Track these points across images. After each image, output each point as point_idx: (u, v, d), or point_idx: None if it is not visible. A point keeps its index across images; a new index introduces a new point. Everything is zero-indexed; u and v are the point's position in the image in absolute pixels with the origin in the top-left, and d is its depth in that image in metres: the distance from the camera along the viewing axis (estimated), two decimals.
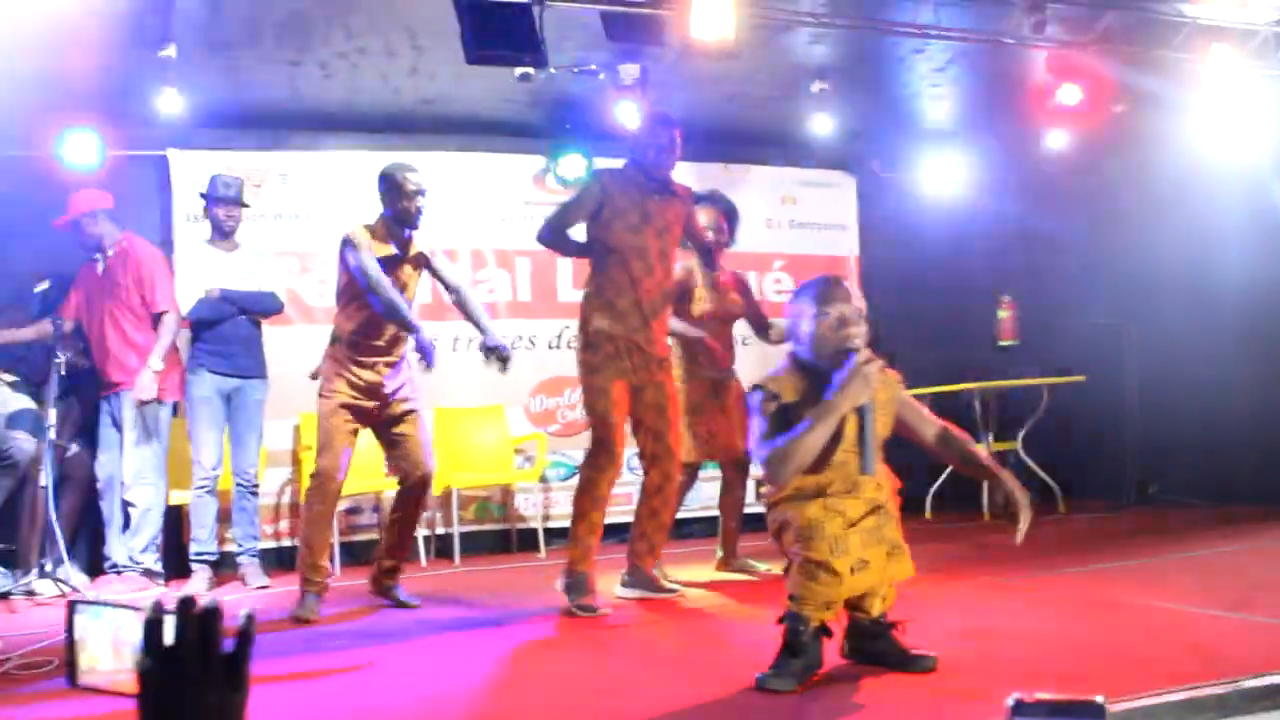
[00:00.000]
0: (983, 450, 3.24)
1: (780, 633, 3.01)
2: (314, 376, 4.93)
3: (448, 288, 5.09)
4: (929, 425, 3.26)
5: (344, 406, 4.78)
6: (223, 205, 6.04)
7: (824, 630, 3.02)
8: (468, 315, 5.05)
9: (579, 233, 4.79)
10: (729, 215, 5.57)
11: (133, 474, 5.89)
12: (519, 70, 5.69)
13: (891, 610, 3.18)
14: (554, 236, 4.73)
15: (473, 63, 4.98)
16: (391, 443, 4.94)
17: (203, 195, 6.12)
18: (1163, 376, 7.50)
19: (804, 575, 2.94)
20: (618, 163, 4.95)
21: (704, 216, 5.33)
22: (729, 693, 3.01)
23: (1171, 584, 4.42)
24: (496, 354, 4.78)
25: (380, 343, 4.84)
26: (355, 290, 4.74)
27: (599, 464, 4.57)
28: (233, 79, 6.55)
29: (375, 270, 4.63)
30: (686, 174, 7.74)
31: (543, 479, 7.25)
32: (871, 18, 6.04)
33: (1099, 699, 0.83)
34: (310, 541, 4.82)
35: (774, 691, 2.92)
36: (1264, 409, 6.83)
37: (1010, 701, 0.84)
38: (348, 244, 4.72)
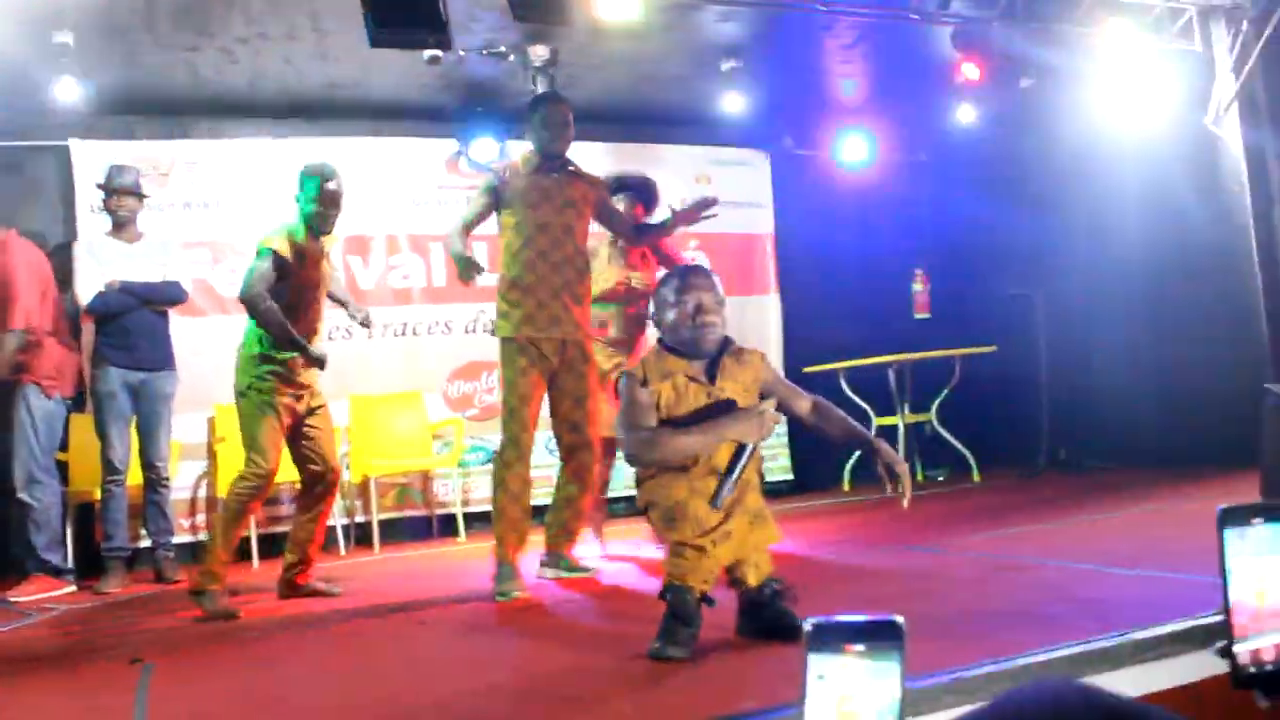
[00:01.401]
0: (857, 424, 3.30)
1: (665, 606, 3.05)
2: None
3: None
4: (802, 400, 3.33)
5: (278, 403, 4.73)
6: (113, 195, 5.89)
7: (707, 599, 3.05)
8: (331, 296, 5.18)
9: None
10: (644, 196, 5.53)
11: (23, 474, 5.74)
12: (427, 53, 5.66)
13: (787, 581, 3.20)
14: (458, 236, 4.74)
15: (376, 45, 4.92)
16: (304, 437, 4.89)
17: (99, 186, 5.99)
18: (1072, 345, 7.68)
19: (675, 555, 3.02)
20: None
21: (621, 207, 5.28)
22: (629, 662, 3.04)
23: (1075, 545, 4.53)
24: (364, 318, 5.19)
25: (302, 333, 4.80)
26: (278, 285, 4.70)
27: (507, 459, 4.54)
28: (133, 66, 6.43)
29: (260, 290, 4.61)
30: (601, 154, 7.77)
31: (461, 464, 7.23)
32: None
33: (898, 619, 0.85)
34: (232, 537, 4.76)
35: (666, 659, 2.96)
36: (1167, 375, 7.02)
37: (808, 626, 0.86)
38: (259, 254, 4.67)
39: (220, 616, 4.51)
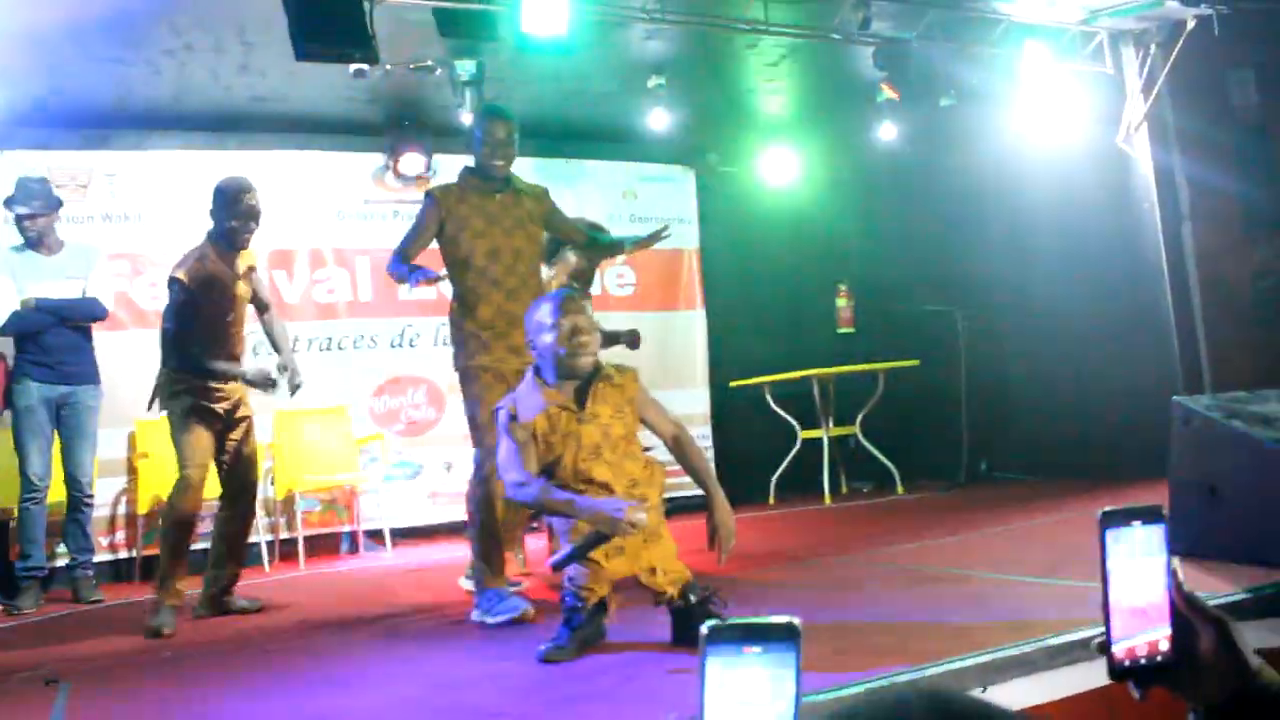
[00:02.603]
0: (710, 473, 3.47)
1: (562, 609, 3.28)
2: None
3: (258, 306, 5.11)
4: (667, 425, 3.51)
5: (203, 413, 4.68)
6: (14, 209, 5.72)
7: (602, 606, 3.27)
8: (271, 338, 5.16)
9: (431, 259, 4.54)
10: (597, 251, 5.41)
11: None
12: (353, 67, 5.64)
13: (713, 587, 3.36)
14: (400, 266, 4.41)
15: (301, 59, 4.89)
16: (225, 450, 4.85)
17: (4, 204, 5.82)
18: (992, 359, 7.84)
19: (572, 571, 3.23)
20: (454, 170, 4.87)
21: (573, 258, 5.19)
22: (520, 666, 3.23)
23: (991, 555, 4.64)
24: (290, 377, 4.97)
25: (222, 357, 4.77)
26: (188, 314, 4.67)
27: (488, 493, 4.20)
28: (55, 76, 6.32)
29: (174, 326, 4.61)
30: (527, 169, 7.72)
31: (387, 479, 7.19)
32: (704, 14, 6.15)
33: (794, 620, 0.89)
34: (180, 549, 4.69)
35: (554, 661, 3.18)
36: (1082, 388, 7.20)
37: (704, 629, 0.90)
38: (169, 288, 4.67)
39: (150, 634, 4.44)
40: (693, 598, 3.25)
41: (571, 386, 3.37)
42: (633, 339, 5.57)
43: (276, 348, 5.13)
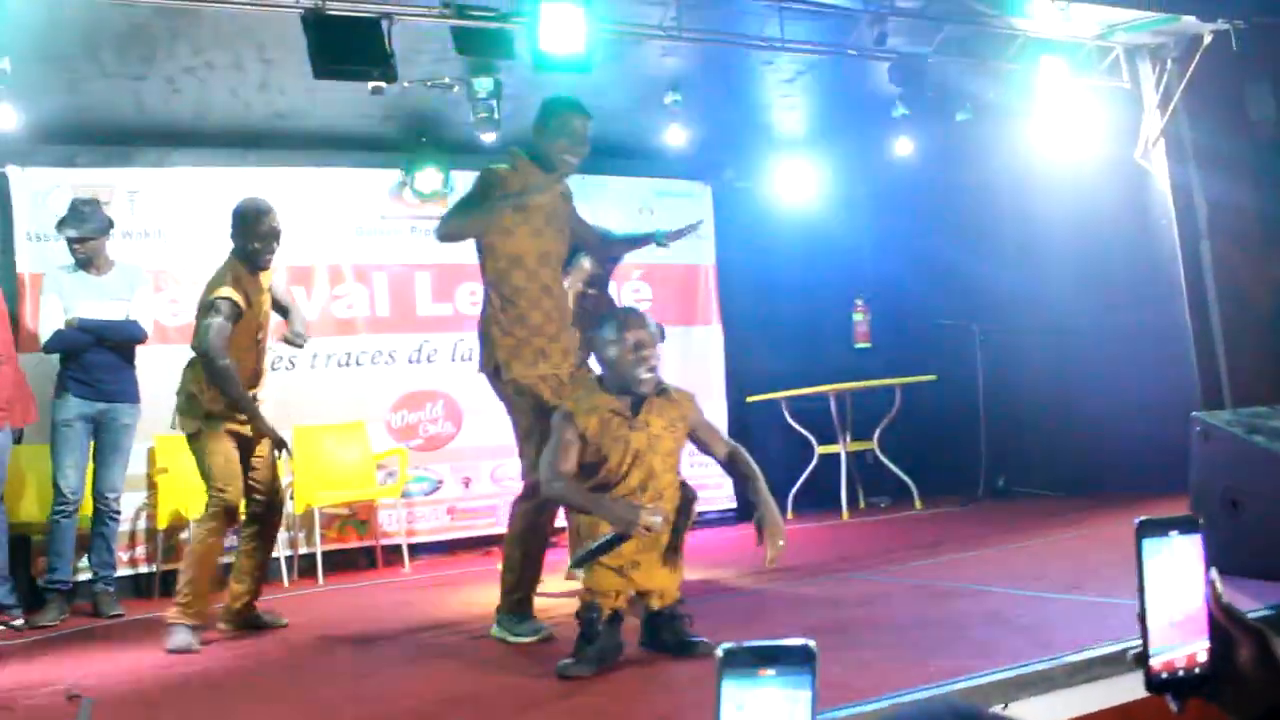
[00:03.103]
0: (760, 480, 3.56)
1: (578, 624, 3.40)
2: None
3: (280, 311, 5.13)
4: (720, 445, 3.65)
5: (229, 433, 4.70)
6: (65, 232, 5.84)
7: (617, 616, 3.41)
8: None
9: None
10: (611, 260, 5.39)
11: None
12: (372, 84, 5.67)
13: (688, 606, 3.57)
14: (455, 237, 4.24)
15: (320, 77, 4.94)
16: (249, 468, 4.86)
17: (58, 224, 5.92)
18: (1009, 374, 7.81)
19: (589, 573, 3.39)
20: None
21: (588, 264, 5.20)
22: (538, 682, 3.28)
23: (1010, 570, 4.62)
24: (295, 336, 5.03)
25: (246, 375, 4.79)
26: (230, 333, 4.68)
27: (539, 505, 4.04)
28: (75, 94, 6.38)
29: (220, 347, 4.56)
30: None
31: (405, 494, 7.22)
32: (720, 31, 6.17)
33: (810, 643, 0.89)
34: (208, 571, 4.69)
35: (572, 677, 3.26)
36: (1099, 403, 7.17)
37: (719, 652, 0.90)
38: (217, 310, 4.60)
39: (177, 650, 4.45)
40: (668, 612, 3.48)
41: (630, 398, 3.50)
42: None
43: (284, 312, 5.12)
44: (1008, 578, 4.38)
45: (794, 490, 7.82)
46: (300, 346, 5.13)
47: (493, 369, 4.15)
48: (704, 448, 3.65)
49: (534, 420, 4.04)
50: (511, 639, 4.01)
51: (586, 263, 5.19)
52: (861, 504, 7.99)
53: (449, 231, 4.23)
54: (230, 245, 4.81)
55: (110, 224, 5.95)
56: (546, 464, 3.48)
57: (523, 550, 4.08)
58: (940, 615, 3.79)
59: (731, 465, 3.64)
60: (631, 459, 3.44)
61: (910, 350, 8.43)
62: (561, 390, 4.09)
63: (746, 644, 0.92)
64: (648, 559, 3.38)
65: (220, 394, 4.65)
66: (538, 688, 3.23)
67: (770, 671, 0.91)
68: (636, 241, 4.85)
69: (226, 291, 4.61)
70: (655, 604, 3.47)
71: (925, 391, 7.87)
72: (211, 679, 3.90)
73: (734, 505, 8.17)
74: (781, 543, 3.43)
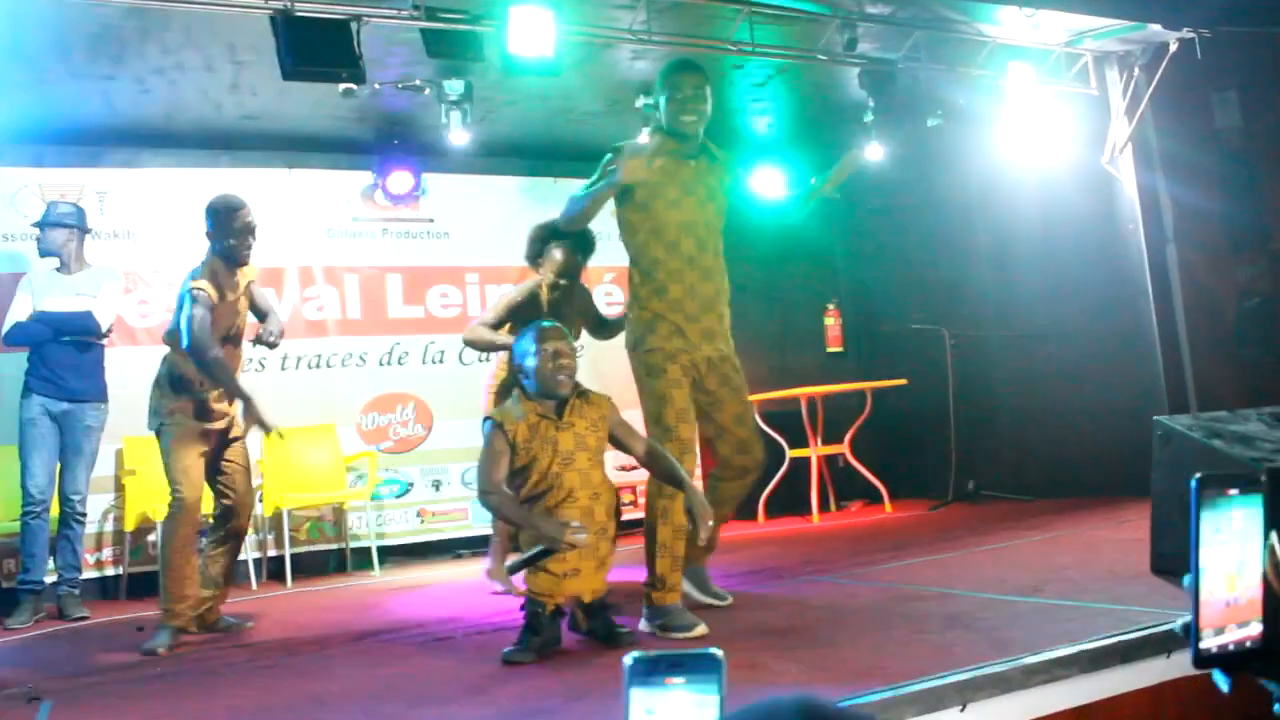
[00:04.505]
0: (681, 470, 3.81)
1: (524, 617, 3.67)
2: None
3: (259, 315, 5.08)
4: (638, 442, 3.85)
5: (199, 434, 4.67)
6: (40, 228, 5.87)
7: (559, 612, 3.69)
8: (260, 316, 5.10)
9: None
10: (582, 244, 5.23)
11: None
12: (342, 86, 5.66)
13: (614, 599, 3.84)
14: (575, 222, 4.15)
15: (289, 78, 4.93)
16: (220, 470, 4.84)
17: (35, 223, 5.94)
18: (978, 378, 7.86)
19: (534, 574, 3.62)
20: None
21: (558, 255, 5.13)
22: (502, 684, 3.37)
23: (974, 573, 4.65)
24: (268, 334, 4.96)
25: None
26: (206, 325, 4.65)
27: (665, 492, 3.94)
28: (44, 94, 6.34)
29: (207, 339, 4.52)
30: (514, 189, 7.86)
31: (375, 497, 7.20)
32: (690, 35, 6.19)
33: (716, 651, 0.90)
34: (179, 571, 4.65)
35: (515, 663, 3.55)
36: (1067, 407, 7.22)
37: (626, 660, 0.91)
38: (194, 300, 4.55)
39: (146, 652, 4.43)
40: (597, 603, 3.75)
41: (553, 402, 3.72)
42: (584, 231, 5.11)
43: (262, 317, 5.06)
44: (971, 580, 4.41)
45: (765, 494, 7.83)
46: (273, 347, 5.09)
47: (631, 344, 4.11)
48: (623, 447, 3.84)
49: (659, 405, 3.97)
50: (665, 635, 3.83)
51: (558, 253, 5.17)
52: (833, 507, 8.02)
53: (563, 219, 4.28)
54: (204, 245, 4.79)
55: (81, 224, 5.92)
56: (481, 475, 3.70)
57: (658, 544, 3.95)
58: (902, 617, 3.81)
59: (652, 461, 3.82)
60: (562, 461, 3.65)
61: (881, 354, 8.49)
62: (694, 373, 4.03)
63: (654, 653, 0.93)
64: (586, 566, 3.64)
65: (210, 385, 4.64)
66: (501, 688, 3.24)
67: (678, 679, 0.92)
68: (805, 200, 4.60)
69: (201, 284, 4.59)
70: (588, 598, 3.74)
71: (896, 395, 7.92)
72: (171, 680, 3.89)
73: None
74: (711, 522, 3.70)
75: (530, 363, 3.73)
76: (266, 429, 4.72)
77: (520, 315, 5.09)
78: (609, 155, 4.13)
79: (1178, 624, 1.15)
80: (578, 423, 3.73)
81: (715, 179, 4.20)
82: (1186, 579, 1.12)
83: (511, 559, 3.82)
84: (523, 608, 3.70)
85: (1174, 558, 4.00)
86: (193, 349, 4.53)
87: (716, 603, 4.29)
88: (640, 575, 4.02)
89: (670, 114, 4.11)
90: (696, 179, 4.12)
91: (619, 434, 3.83)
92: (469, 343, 5.33)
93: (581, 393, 3.79)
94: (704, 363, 4.07)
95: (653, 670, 0.92)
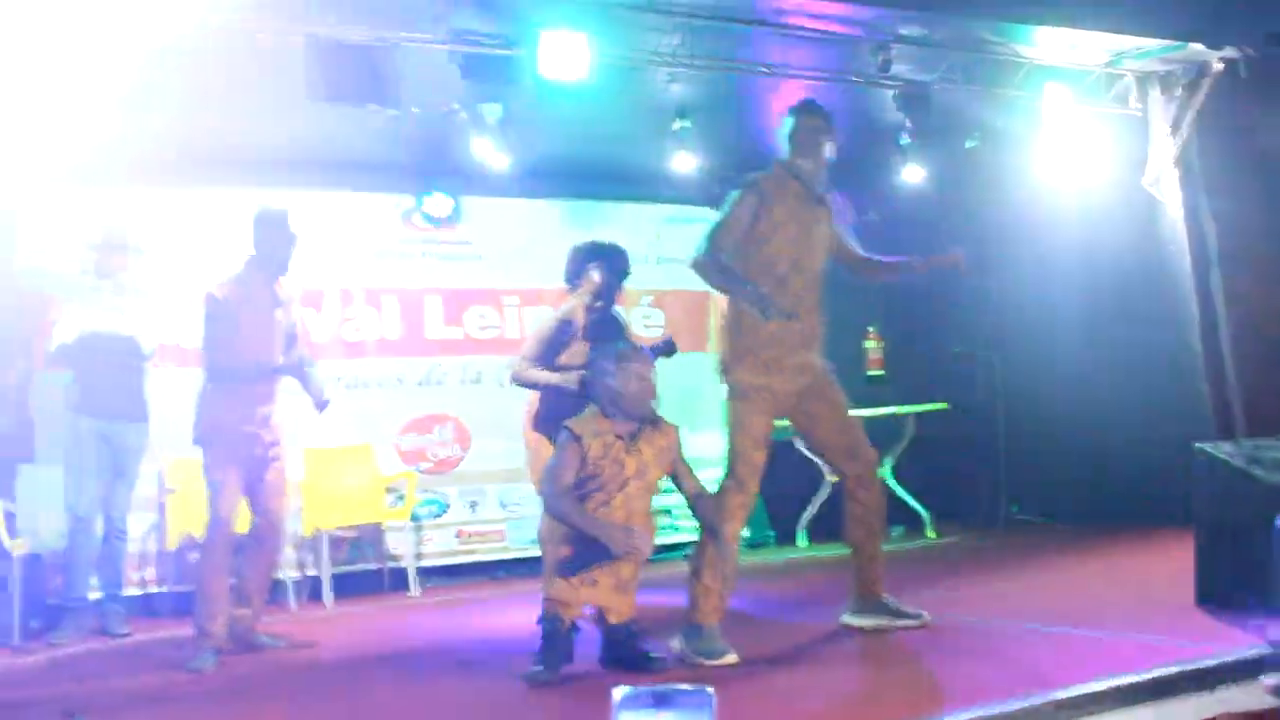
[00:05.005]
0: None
1: (541, 632, 3.78)
2: None
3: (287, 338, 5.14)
4: (692, 482, 3.99)
5: (236, 454, 4.72)
6: (96, 250, 6.00)
7: (574, 627, 3.80)
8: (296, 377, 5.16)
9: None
10: (622, 273, 5.29)
11: None
12: (373, 109, 5.70)
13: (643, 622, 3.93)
14: (712, 260, 4.16)
15: (319, 101, 4.98)
16: (258, 489, 4.88)
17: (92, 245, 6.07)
18: (1021, 402, 7.77)
19: (549, 575, 3.88)
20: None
21: (596, 275, 5.14)
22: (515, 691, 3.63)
23: (1013, 602, 4.59)
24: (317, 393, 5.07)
25: (258, 388, 4.81)
26: (225, 330, 4.71)
27: (732, 512, 4.08)
28: (90, 118, 6.43)
29: (219, 359, 4.67)
30: (552, 212, 7.87)
31: (414, 517, 7.21)
32: (725, 58, 6.19)
33: (707, 688, 0.89)
34: (214, 592, 4.72)
35: (540, 683, 3.66)
36: (1111, 432, 7.12)
37: (616, 694, 0.90)
38: (205, 315, 4.73)
39: (195, 670, 4.47)
40: (624, 630, 3.82)
41: (629, 424, 3.86)
42: (669, 347, 5.29)
43: (304, 385, 5.13)
44: (1010, 609, 4.36)
45: (805, 519, 7.78)
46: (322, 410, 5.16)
47: (721, 368, 4.27)
48: (677, 480, 4.00)
49: (734, 431, 4.14)
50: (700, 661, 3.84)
51: (596, 274, 5.18)
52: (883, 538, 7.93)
53: (694, 265, 4.25)
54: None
55: (131, 245, 6.01)
56: (551, 479, 3.81)
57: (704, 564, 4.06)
58: (939, 649, 3.77)
59: (697, 502, 3.96)
60: (619, 484, 3.79)
61: (922, 378, 8.39)
62: (782, 405, 4.19)
63: (644, 687, 0.92)
64: (604, 581, 3.76)
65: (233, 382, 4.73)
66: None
67: (668, 715, 0.90)
68: (893, 268, 4.69)
69: (213, 288, 4.76)
70: (612, 619, 3.81)
71: (937, 420, 7.84)
72: (207, 699, 3.92)
73: (746, 533, 8.12)
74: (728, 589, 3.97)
75: (612, 383, 3.85)
76: (323, 402, 4.91)
77: (557, 343, 5.10)
78: (752, 184, 4.30)
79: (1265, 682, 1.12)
80: (645, 450, 3.87)
81: (826, 219, 4.35)
82: None
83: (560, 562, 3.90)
84: (539, 622, 3.79)
85: (1218, 587, 3.93)
86: (209, 371, 4.69)
87: (913, 623, 4.19)
88: (677, 599, 4.07)
89: (793, 158, 4.29)
90: (815, 222, 4.26)
91: (677, 469, 3.97)
92: (518, 382, 5.19)
93: (654, 419, 3.93)
94: (794, 395, 4.20)
95: (642, 704, 0.91)
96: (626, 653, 3.81)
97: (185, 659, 4.58)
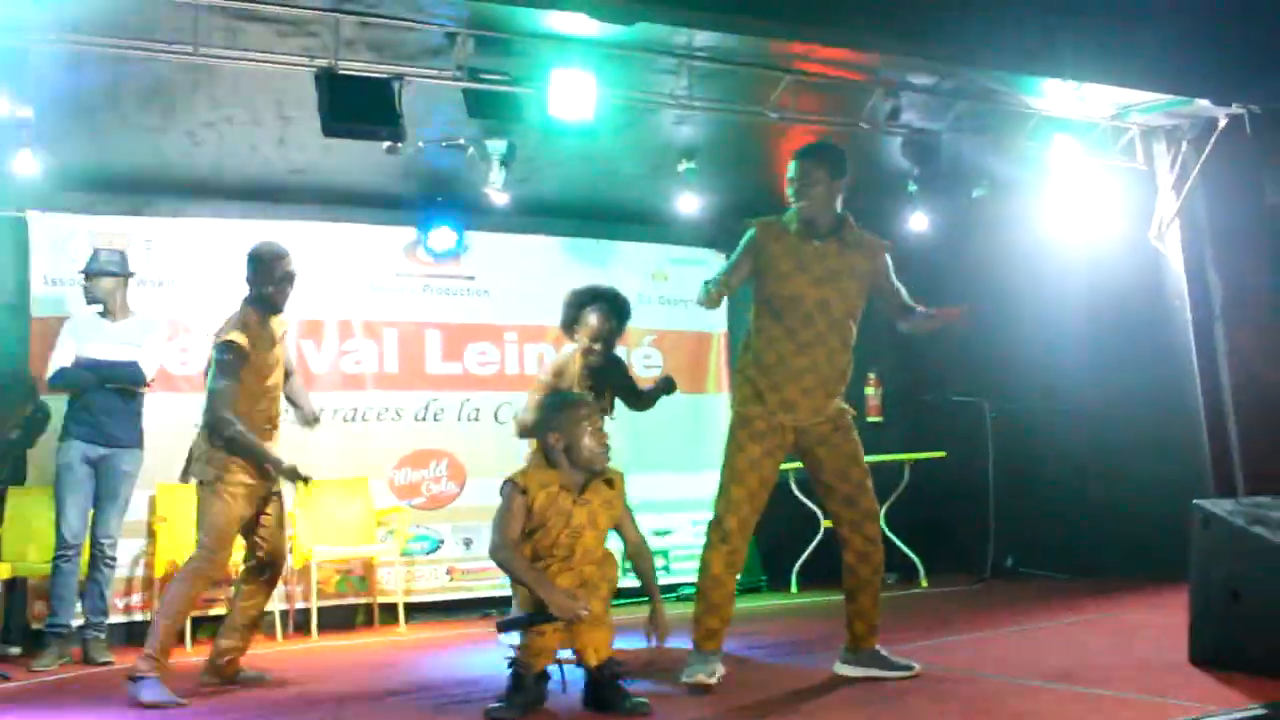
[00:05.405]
0: (655, 579, 4.02)
1: (510, 675, 3.79)
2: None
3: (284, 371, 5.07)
4: (634, 533, 4.01)
5: (245, 489, 4.67)
6: (86, 276, 5.94)
7: (544, 675, 3.82)
8: (291, 397, 5.15)
9: None
10: (621, 316, 5.28)
11: None
12: (385, 143, 5.73)
13: (625, 664, 3.90)
14: (708, 294, 4.21)
15: (329, 134, 4.99)
16: (258, 523, 4.83)
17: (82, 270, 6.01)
18: (1019, 452, 7.73)
19: (525, 634, 3.74)
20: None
21: (594, 319, 5.13)
22: None
23: (1005, 655, 4.53)
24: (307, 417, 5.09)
25: (264, 424, 4.79)
26: (239, 378, 4.68)
27: (711, 541, 4.20)
28: (96, 143, 6.48)
29: (226, 414, 4.59)
30: (556, 249, 7.88)
31: (405, 552, 7.16)
32: (732, 101, 6.21)
33: None
34: (180, 623, 4.66)
35: (498, 718, 3.69)
36: (1109, 484, 7.09)
37: None
38: (220, 364, 4.63)
39: (155, 705, 4.36)
40: (607, 671, 3.77)
41: (578, 475, 3.84)
42: (669, 385, 5.28)
43: (296, 403, 5.15)
44: (1001, 663, 4.30)
45: (799, 564, 7.72)
46: (312, 428, 5.16)
47: (731, 400, 4.37)
48: (620, 529, 3.98)
49: (724, 463, 4.23)
50: (684, 679, 4.11)
51: (593, 318, 5.16)
52: (880, 591, 7.86)
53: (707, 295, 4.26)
54: (244, 293, 4.84)
55: (126, 270, 5.99)
56: (496, 531, 3.79)
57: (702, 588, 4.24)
58: (925, 700, 3.70)
59: (637, 556, 3.99)
60: (573, 535, 3.80)
61: (921, 426, 8.37)
62: (776, 439, 4.19)
63: None
64: (579, 624, 3.70)
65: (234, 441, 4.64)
66: None
67: None
68: (921, 318, 4.51)
69: (232, 335, 4.63)
70: (592, 659, 3.76)
71: (935, 468, 7.80)
72: None
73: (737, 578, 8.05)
74: (668, 633, 3.88)
75: (574, 433, 3.81)
76: (304, 480, 4.77)
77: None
78: (751, 232, 4.34)
79: None
80: (594, 500, 3.85)
81: (844, 262, 4.26)
82: None
83: (505, 618, 3.97)
84: (510, 664, 3.79)
85: (1214, 646, 3.87)
86: (214, 425, 4.61)
87: (904, 675, 4.18)
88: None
89: (791, 198, 4.30)
90: (816, 259, 4.22)
91: (622, 518, 3.97)
92: (522, 434, 5.17)
93: (602, 471, 3.89)
94: (790, 431, 4.20)
95: None
96: (611, 697, 3.76)
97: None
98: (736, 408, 4.30)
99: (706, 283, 4.23)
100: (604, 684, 3.77)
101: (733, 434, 4.25)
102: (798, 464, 7.35)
